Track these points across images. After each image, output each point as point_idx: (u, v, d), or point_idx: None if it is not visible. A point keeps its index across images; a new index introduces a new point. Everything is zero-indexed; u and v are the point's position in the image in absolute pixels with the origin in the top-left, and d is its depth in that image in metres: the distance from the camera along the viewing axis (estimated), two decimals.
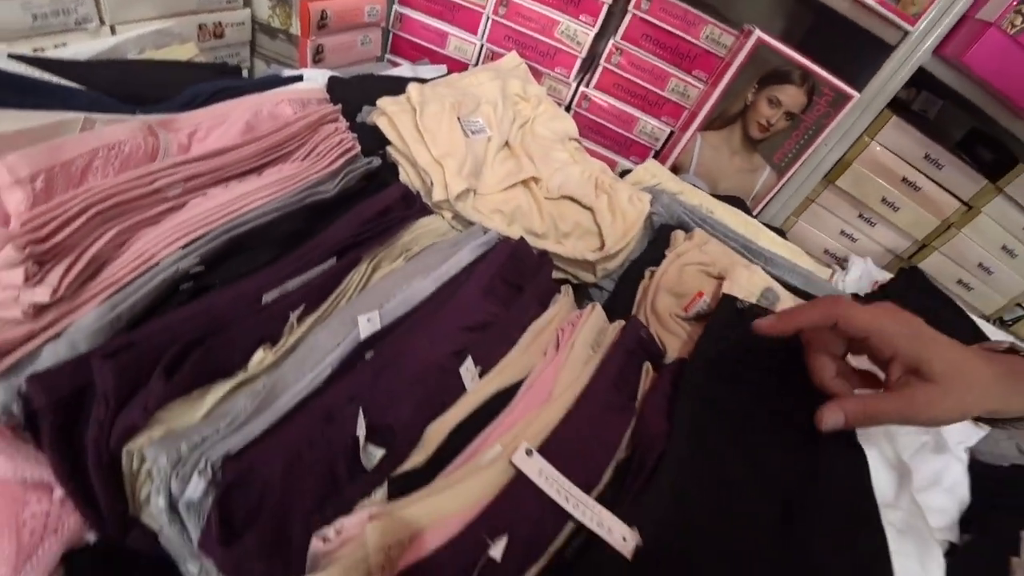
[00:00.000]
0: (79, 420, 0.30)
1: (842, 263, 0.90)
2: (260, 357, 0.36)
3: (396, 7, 0.83)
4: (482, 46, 0.82)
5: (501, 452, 0.37)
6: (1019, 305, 0.96)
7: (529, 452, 0.36)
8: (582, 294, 0.68)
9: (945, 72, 0.76)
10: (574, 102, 0.85)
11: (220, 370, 0.34)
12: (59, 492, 0.31)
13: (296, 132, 0.53)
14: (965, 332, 0.86)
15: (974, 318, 0.82)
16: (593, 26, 0.78)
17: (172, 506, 0.30)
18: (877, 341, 0.37)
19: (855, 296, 0.83)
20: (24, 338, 0.32)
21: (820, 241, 0.90)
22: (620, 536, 0.35)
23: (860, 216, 0.86)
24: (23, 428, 0.32)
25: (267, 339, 0.37)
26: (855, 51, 0.76)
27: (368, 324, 0.42)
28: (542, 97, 0.77)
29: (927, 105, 0.87)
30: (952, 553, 0.66)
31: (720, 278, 0.62)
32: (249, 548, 0.28)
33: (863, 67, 0.75)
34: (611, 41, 0.79)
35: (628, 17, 0.77)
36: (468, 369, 0.42)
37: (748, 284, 0.60)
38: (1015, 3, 0.68)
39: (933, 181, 0.82)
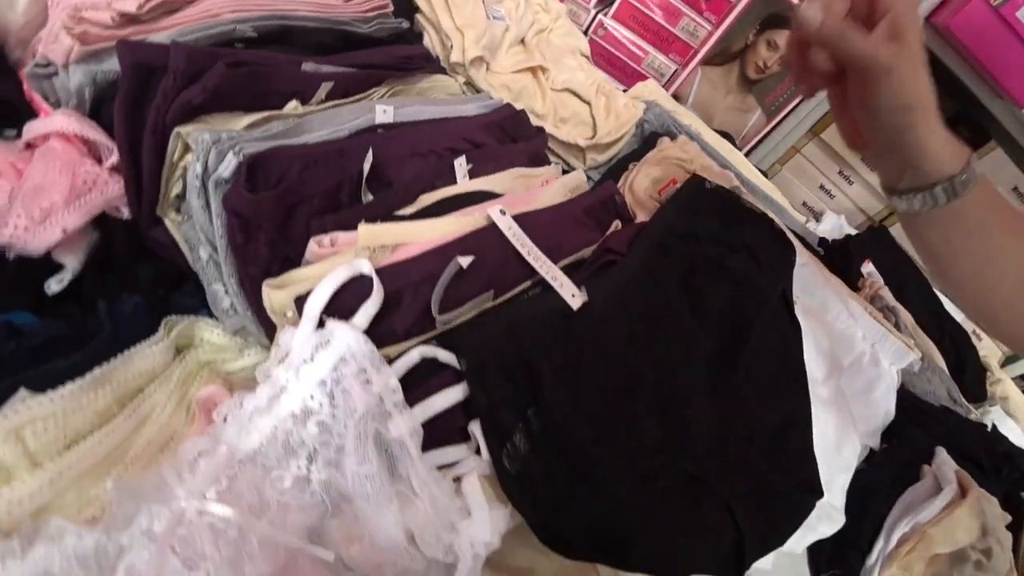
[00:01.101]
0: (144, 101, 0.37)
1: (817, 216, 0.96)
2: (293, 105, 0.43)
3: None
4: None
5: (479, 217, 0.44)
6: None
7: (503, 212, 0.43)
8: None
9: (934, 42, 0.82)
10: (590, 29, 0.92)
11: (260, 101, 0.41)
12: (109, 163, 0.38)
13: None
14: (920, 291, 0.93)
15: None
16: None
17: (204, 182, 0.37)
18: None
19: (822, 240, 0.90)
20: (107, 38, 0.39)
21: (800, 193, 0.96)
22: (570, 292, 0.42)
23: (840, 172, 0.93)
24: (87, 113, 0.39)
25: (299, 95, 0.44)
26: None
27: (383, 114, 0.48)
28: (561, 13, 0.84)
29: None
30: (871, 458, 0.72)
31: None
32: (264, 204, 0.35)
33: None
34: None
35: None
36: (460, 165, 0.49)
37: (719, 180, 0.67)
38: None
39: None
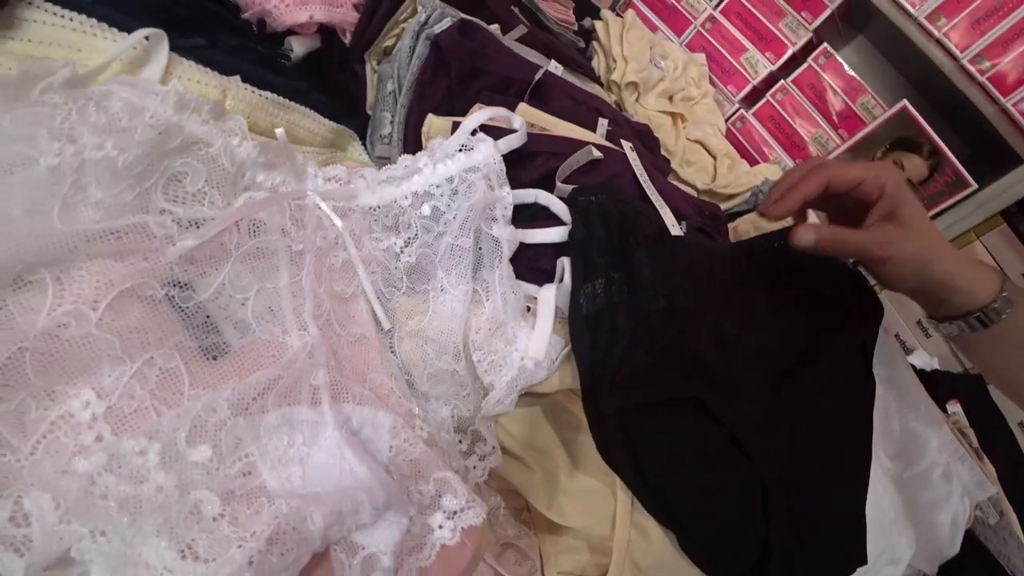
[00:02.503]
0: None
1: (908, 351, 0.93)
2: (495, 27, 0.54)
3: None
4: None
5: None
6: None
7: (632, 148, 0.49)
8: None
9: None
10: (730, 119, 1.01)
11: (475, 11, 0.52)
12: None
13: None
14: (1010, 455, 0.85)
15: None
16: (774, 63, 0.96)
17: (419, 32, 0.46)
18: (869, 186, 0.37)
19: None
20: None
21: (893, 321, 0.95)
22: (671, 222, 0.46)
23: None
24: None
25: (501, 24, 0.54)
26: (988, 154, 0.85)
27: (555, 68, 0.58)
28: (709, 93, 0.95)
29: None
30: None
31: None
32: (462, 48, 0.44)
33: (991, 170, 0.84)
34: (782, 81, 0.96)
35: (804, 66, 0.94)
36: (603, 124, 0.56)
37: None
38: None
39: None
